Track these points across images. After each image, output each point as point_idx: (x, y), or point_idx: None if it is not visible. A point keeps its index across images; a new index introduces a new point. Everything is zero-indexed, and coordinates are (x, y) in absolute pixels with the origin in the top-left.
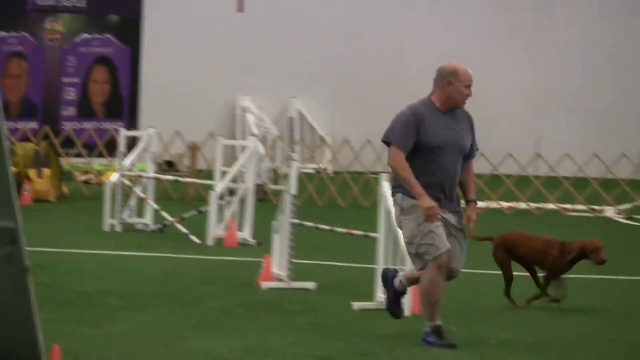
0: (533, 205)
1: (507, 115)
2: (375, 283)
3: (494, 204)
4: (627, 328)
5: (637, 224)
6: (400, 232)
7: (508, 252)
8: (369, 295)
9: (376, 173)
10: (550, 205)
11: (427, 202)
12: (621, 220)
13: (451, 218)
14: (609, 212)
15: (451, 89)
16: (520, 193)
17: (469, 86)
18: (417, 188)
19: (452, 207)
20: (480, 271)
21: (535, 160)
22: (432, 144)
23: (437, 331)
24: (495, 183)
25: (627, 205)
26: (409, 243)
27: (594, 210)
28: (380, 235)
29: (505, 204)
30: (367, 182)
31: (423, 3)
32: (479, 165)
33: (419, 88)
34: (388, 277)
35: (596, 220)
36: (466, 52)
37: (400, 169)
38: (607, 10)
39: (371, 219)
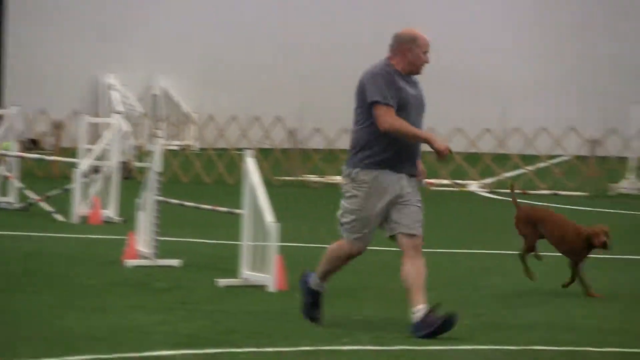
0: None
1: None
2: (241, 260)
3: None
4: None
5: (500, 197)
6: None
7: (533, 227)
8: (234, 272)
9: (241, 149)
10: None
11: (441, 143)
12: (485, 194)
13: (409, 182)
14: (473, 186)
15: (411, 55)
16: None
17: (426, 52)
18: (424, 134)
19: (413, 171)
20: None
21: None
22: (404, 105)
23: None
24: None
25: (490, 180)
26: (348, 213)
27: (458, 184)
28: (245, 211)
29: None
30: (232, 159)
31: None
32: (343, 142)
33: (277, 65)
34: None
35: (461, 194)
36: None
37: (398, 125)
38: None
39: (236, 196)
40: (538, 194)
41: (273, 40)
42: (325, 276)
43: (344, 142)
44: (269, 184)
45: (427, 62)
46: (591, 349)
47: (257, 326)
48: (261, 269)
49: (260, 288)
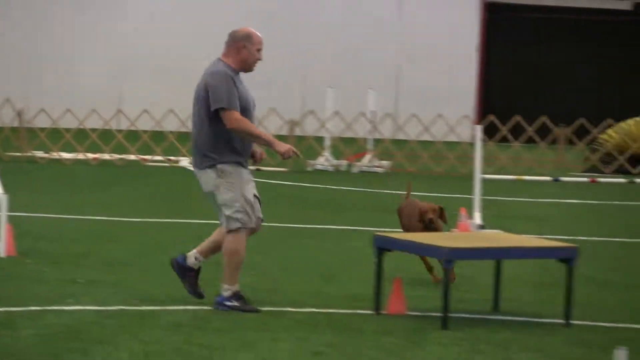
0: (116, 156)
1: (92, 74)
2: None
3: (80, 156)
4: None
5: None
6: None
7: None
8: None
9: None
10: (132, 157)
11: (283, 146)
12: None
13: (249, 174)
14: (184, 162)
15: (245, 53)
16: (105, 145)
17: (260, 50)
18: (268, 136)
19: (248, 164)
20: None
21: (117, 116)
22: (243, 105)
23: (239, 296)
24: (81, 136)
25: None
26: (228, 206)
27: (170, 160)
28: None
29: (91, 155)
30: None
31: None
32: (66, 121)
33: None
34: (180, 264)
35: (173, 169)
36: None
37: (246, 126)
38: None
39: None
40: None
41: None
42: (237, 280)
43: (67, 122)
44: None
45: (260, 59)
46: (291, 309)
47: None
48: None
49: None
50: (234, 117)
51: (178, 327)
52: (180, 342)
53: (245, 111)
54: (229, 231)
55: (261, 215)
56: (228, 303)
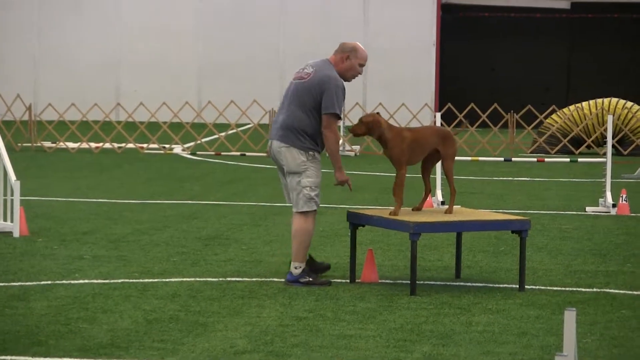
0: (116, 145)
1: (93, 72)
2: None
3: (84, 145)
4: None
5: (198, 158)
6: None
7: None
8: None
9: None
10: (130, 145)
11: (343, 175)
12: (187, 155)
13: None
14: (177, 149)
15: (348, 64)
16: (106, 135)
17: (362, 65)
18: (339, 160)
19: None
20: None
21: (116, 109)
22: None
23: (309, 271)
24: (85, 128)
25: (191, 144)
26: (312, 188)
27: (165, 148)
28: None
29: (93, 145)
30: None
31: None
32: (71, 114)
33: None
34: (295, 278)
35: (168, 156)
36: None
37: (333, 139)
38: None
39: None
40: (230, 155)
41: None
42: (305, 258)
43: (72, 115)
44: (11, 149)
45: (360, 73)
46: (275, 279)
47: (5, 265)
48: (7, 218)
49: (7, 234)
50: (333, 126)
51: (174, 296)
52: (177, 309)
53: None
54: (303, 212)
55: None
56: (302, 280)
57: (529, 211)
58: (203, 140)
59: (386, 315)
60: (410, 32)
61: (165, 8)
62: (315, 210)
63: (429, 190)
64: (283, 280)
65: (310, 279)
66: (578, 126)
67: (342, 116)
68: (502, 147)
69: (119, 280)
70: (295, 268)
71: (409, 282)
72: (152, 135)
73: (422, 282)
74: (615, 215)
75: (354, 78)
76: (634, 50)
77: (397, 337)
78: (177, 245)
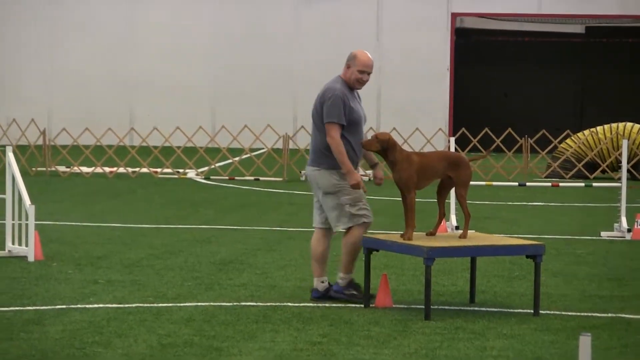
0: (130, 169)
1: (107, 98)
2: (5, 235)
3: (98, 169)
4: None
5: (212, 183)
6: (24, 192)
7: None
8: (1, 246)
9: (3, 146)
10: (144, 170)
11: (355, 178)
12: (200, 180)
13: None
14: (191, 174)
15: (349, 72)
16: (120, 160)
17: (363, 72)
18: (348, 165)
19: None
20: None
21: (130, 133)
22: (354, 120)
23: (354, 284)
24: (99, 152)
25: (205, 169)
26: (352, 205)
27: (179, 172)
28: (8, 196)
29: (107, 169)
30: None
31: None
32: (85, 139)
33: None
34: (337, 291)
35: (182, 180)
36: None
37: (338, 146)
38: None
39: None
40: (243, 180)
41: None
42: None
43: (86, 139)
44: (26, 174)
45: (363, 80)
46: (290, 303)
47: (20, 290)
48: (22, 242)
49: (22, 258)
50: (331, 133)
51: (189, 321)
52: (191, 334)
53: (356, 125)
54: (352, 227)
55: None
56: (346, 292)
57: (543, 236)
58: (217, 164)
59: (400, 340)
60: (424, 56)
61: (180, 33)
62: (363, 223)
63: (442, 214)
64: (297, 304)
65: (355, 292)
66: (593, 151)
67: (343, 122)
68: (516, 171)
69: (134, 305)
70: (341, 279)
71: (423, 306)
72: (166, 159)
73: (436, 306)
74: (631, 240)
75: (360, 85)
76: None
77: None
78: (191, 270)
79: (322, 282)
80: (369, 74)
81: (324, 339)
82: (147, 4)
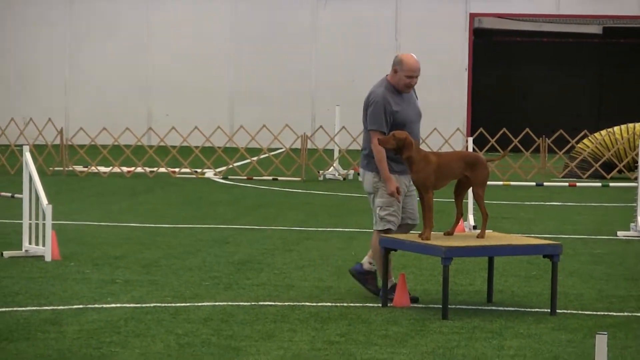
0: (148, 169)
1: (125, 97)
2: (22, 235)
3: (116, 169)
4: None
5: (230, 182)
6: (41, 192)
7: None
8: (18, 245)
9: (20, 146)
10: (162, 170)
11: (391, 187)
12: (218, 180)
13: (406, 180)
14: (209, 173)
15: (396, 77)
16: (138, 160)
17: (410, 77)
18: (386, 172)
19: (407, 171)
20: None
21: (148, 133)
22: (399, 122)
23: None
24: (116, 152)
25: (222, 168)
26: (383, 208)
27: (197, 172)
28: (25, 195)
29: (125, 169)
30: (12, 153)
31: None
32: (102, 138)
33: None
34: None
35: (199, 180)
36: None
37: (378, 153)
38: None
39: (17, 183)
40: (261, 179)
41: None
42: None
43: (103, 139)
44: (43, 173)
45: (411, 84)
46: (308, 303)
47: (38, 289)
48: (39, 242)
49: (39, 258)
50: (373, 140)
51: (207, 321)
52: (209, 333)
53: (403, 126)
54: (379, 230)
55: (415, 221)
56: (366, 281)
57: (560, 235)
58: (235, 164)
59: (418, 340)
60: (442, 57)
61: (197, 33)
62: (389, 229)
63: (460, 214)
64: (315, 304)
65: (373, 288)
66: (610, 151)
67: (383, 129)
68: (534, 171)
69: (151, 305)
70: (370, 263)
71: (440, 306)
72: (184, 159)
73: (453, 306)
74: None
75: (409, 89)
76: None
77: None
78: (209, 270)
79: (370, 263)
80: (416, 77)
81: (341, 338)
82: (165, 5)
